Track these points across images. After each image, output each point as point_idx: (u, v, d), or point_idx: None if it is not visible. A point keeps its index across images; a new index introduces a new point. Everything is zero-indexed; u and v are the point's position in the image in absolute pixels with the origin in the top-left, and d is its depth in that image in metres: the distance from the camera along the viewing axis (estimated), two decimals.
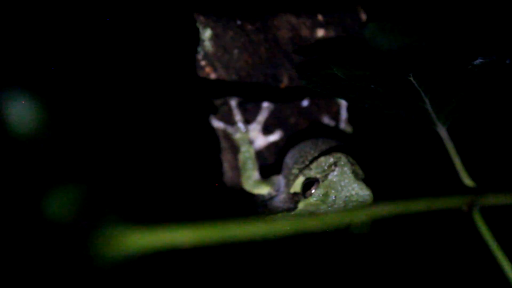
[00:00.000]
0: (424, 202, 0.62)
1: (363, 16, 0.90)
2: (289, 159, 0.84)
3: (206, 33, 0.87)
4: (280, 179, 0.86)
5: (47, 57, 0.89)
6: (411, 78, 0.73)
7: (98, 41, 0.91)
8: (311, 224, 0.52)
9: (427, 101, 0.71)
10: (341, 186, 0.78)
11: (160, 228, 0.46)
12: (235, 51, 0.88)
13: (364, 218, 0.62)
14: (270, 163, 0.92)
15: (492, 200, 0.64)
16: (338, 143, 0.83)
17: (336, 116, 0.94)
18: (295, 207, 0.80)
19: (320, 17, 0.89)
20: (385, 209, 0.61)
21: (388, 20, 0.85)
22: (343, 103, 0.94)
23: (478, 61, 0.72)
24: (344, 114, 0.94)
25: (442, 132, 0.69)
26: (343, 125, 0.94)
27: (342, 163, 0.79)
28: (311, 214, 0.79)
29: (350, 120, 0.94)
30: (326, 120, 0.93)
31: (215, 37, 0.87)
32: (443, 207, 0.63)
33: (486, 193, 0.64)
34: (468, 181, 0.66)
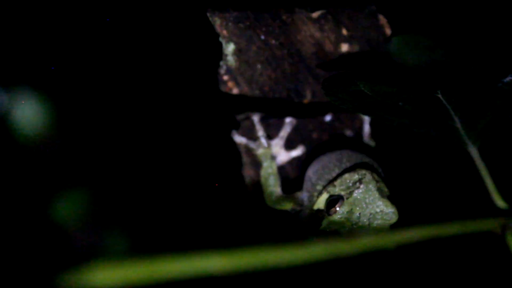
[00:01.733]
0: (456, 225, 0.60)
1: (388, 31, 0.89)
2: (312, 174, 0.83)
3: (229, 48, 0.86)
4: (303, 195, 0.85)
5: (67, 62, 0.89)
6: (440, 95, 0.72)
7: (122, 51, 0.91)
8: (343, 249, 0.51)
9: (456, 119, 0.70)
10: (366, 204, 0.77)
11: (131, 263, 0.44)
12: (258, 66, 0.87)
13: (396, 243, 0.61)
14: (292, 178, 0.91)
15: None
16: (363, 158, 0.82)
17: (359, 131, 0.93)
18: (319, 225, 0.79)
19: (344, 31, 0.88)
20: (416, 233, 0.59)
21: (413, 34, 0.84)
22: (366, 118, 0.93)
23: (508, 79, 0.71)
24: (367, 129, 0.93)
25: (473, 151, 0.68)
26: (366, 140, 0.93)
27: (367, 180, 0.77)
28: (342, 238, 0.78)
29: (373, 135, 0.93)
30: (349, 135, 0.92)
31: (238, 52, 0.86)
32: (476, 230, 0.61)
33: None
34: (500, 203, 0.65)
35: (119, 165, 0.90)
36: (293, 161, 0.90)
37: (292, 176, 0.91)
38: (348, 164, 0.81)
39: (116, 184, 0.88)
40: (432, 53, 0.79)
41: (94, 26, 0.90)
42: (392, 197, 0.78)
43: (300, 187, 0.86)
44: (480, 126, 0.69)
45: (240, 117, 0.89)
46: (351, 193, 0.77)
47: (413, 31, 0.84)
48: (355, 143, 0.92)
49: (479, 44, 0.75)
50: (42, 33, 0.88)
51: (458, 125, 0.70)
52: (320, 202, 0.80)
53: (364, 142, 0.93)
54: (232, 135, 0.89)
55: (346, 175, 0.79)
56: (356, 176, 0.78)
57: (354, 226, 0.77)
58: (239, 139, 0.89)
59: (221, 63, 0.86)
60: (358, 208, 0.77)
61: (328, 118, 0.91)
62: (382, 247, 0.58)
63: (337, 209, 0.77)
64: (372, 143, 0.93)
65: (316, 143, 0.90)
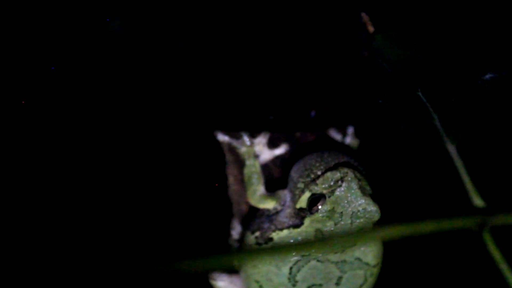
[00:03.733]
0: (433, 223, 0.60)
1: (371, 28, 0.89)
2: (294, 173, 0.83)
3: None
4: (286, 194, 0.85)
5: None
6: (420, 93, 0.72)
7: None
8: (319, 248, 0.51)
9: (436, 117, 0.70)
10: (348, 202, 0.77)
11: None
12: None
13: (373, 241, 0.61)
14: (276, 177, 0.91)
15: (503, 220, 0.62)
16: (345, 157, 0.82)
17: (343, 130, 0.93)
18: (301, 223, 0.80)
19: None
20: (393, 232, 0.59)
21: (396, 32, 0.84)
22: (350, 117, 0.93)
23: (488, 76, 0.71)
24: (351, 127, 0.93)
25: (452, 149, 0.68)
26: (350, 138, 0.93)
27: (349, 178, 0.78)
28: (318, 235, 0.78)
29: (357, 134, 0.93)
30: (333, 133, 0.92)
31: None
32: (453, 227, 0.61)
33: (496, 213, 0.62)
34: (478, 201, 0.65)
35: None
36: (277, 160, 0.90)
37: (275, 174, 0.91)
38: (330, 162, 0.81)
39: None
40: (414, 51, 0.79)
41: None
42: (374, 195, 0.79)
43: (283, 186, 0.87)
44: (459, 124, 0.69)
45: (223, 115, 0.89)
46: (333, 191, 0.78)
47: (396, 29, 0.84)
48: (339, 141, 0.92)
49: (460, 42, 0.75)
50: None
51: (437, 123, 0.70)
52: (302, 201, 0.80)
53: (347, 141, 0.93)
54: (215, 133, 0.89)
55: (328, 174, 0.79)
56: (338, 175, 0.78)
57: (336, 224, 0.78)
58: (222, 137, 0.89)
59: None
60: (340, 207, 0.77)
61: (311, 115, 0.91)
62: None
63: (319, 207, 0.78)
64: (356, 142, 0.93)
65: (299, 141, 0.91)
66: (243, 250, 0.81)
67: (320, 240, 0.56)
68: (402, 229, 0.60)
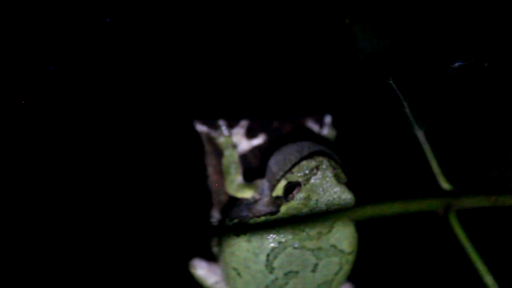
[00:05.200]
0: (399, 205, 0.62)
1: (347, 20, 0.90)
2: (272, 163, 0.85)
3: None
4: (263, 183, 0.86)
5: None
6: (391, 82, 0.73)
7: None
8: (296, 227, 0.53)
9: (406, 104, 0.72)
10: (323, 190, 0.79)
11: None
12: None
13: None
14: (254, 166, 0.92)
15: (468, 202, 0.64)
16: (321, 146, 0.83)
17: (320, 120, 0.94)
18: (278, 211, 0.81)
19: None
20: (363, 212, 0.61)
21: (371, 23, 0.85)
22: (327, 107, 0.94)
23: (456, 64, 0.73)
24: (328, 118, 0.94)
25: (420, 135, 0.69)
26: (327, 129, 0.95)
27: (324, 166, 0.79)
28: (293, 217, 0.80)
29: (334, 124, 0.94)
30: (310, 123, 0.93)
31: None
32: (420, 209, 0.63)
33: (462, 196, 0.64)
34: (445, 184, 0.67)
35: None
36: (255, 150, 0.92)
37: (254, 164, 0.92)
38: (306, 151, 0.82)
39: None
40: (386, 41, 0.80)
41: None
42: (349, 184, 0.80)
43: (261, 175, 0.88)
44: (428, 111, 0.70)
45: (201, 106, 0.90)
46: (308, 179, 0.79)
47: (370, 20, 0.86)
48: (316, 131, 0.93)
49: (430, 32, 0.76)
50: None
51: (407, 110, 0.71)
52: (279, 189, 0.81)
53: (325, 131, 0.94)
54: (194, 123, 0.90)
55: (304, 162, 0.80)
56: (313, 163, 0.79)
57: (312, 212, 0.79)
58: (201, 127, 0.90)
59: None
60: (315, 194, 0.79)
61: (289, 105, 0.93)
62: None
63: (295, 195, 0.79)
64: (333, 132, 0.95)
65: (277, 131, 0.92)
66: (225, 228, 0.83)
67: (296, 218, 0.58)
68: (371, 210, 0.62)
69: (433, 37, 0.76)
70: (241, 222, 0.84)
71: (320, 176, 0.79)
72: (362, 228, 0.83)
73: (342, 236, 0.82)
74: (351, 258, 0.85)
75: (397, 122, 0.72)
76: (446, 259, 0.88)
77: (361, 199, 0.78)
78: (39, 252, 0.90)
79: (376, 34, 0.84)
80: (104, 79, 0.92)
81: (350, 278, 0.90)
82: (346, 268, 0.85)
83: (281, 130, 0.92)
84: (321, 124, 0.94)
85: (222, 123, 0.89)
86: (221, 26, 0.92)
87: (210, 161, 0.91)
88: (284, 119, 0.92)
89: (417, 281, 0.96)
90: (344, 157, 0.83)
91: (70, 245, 0.91)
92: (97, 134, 0.92)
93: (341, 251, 0.83)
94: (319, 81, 0.93)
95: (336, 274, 0.85)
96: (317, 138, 0.91)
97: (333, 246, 0.82)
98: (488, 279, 0.61)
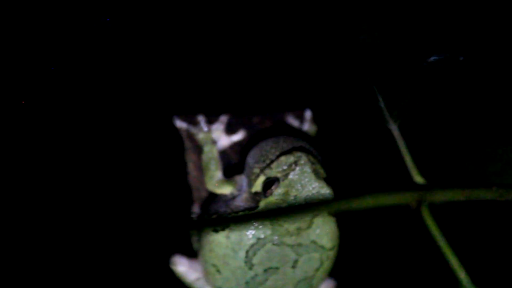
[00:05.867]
0: (372, 198, 0.62)
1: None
2: (250, 159, 0.85)
3: None
4: (242, 179, 0.86)
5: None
6: (368, 77, 0.73)
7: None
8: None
9: (380, 98, 0.71)
10: (302, 185, 0.79)
11: None
12: None
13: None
14: (234, 162, 0.92)
15: (441, 196, 0.64)
16: (300, 142, 0.83)
17: (300, 115, 0.94)
18: (256, 206, 0.81)
19: None
20: (337, 206, 0.61)
21: (349, 19, 0.85)
22: (307, 102, 0.94)
23: (432, 59, 0.72)
24: (308, 113, 0.94)
25: (394, 129, 0.69)
26: (307, 124, 0.94)
27: (303, 162, 0.79)
28: (270, 211, 0.80)
29: (315, 119, 0.94)
30: (291, 119, 0.93)
31: None
32: (392, 203, 0.63)
33: (434, 190, 0.64)
34: (418, 178, 0.67)
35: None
36: (235, 146, 0.91)
37: (234, 160, 0.92)
38: (285, 147, 0.82)
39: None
40: (363, 36, 0.80)
41: None
42: (328, 179, 0.80)
43: (241, 171, 0.88)
44: (402, 105, 0.70)
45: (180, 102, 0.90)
46: (286, 175, 0.79)
47: (350, 15, 0.85)
48: (296, 127, 0.93)
49: (406, 26, 0.76)
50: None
51: (382, 104, 0.71)
52: (258, 185, 0.81)
53: (305, 127, 0.94)
54: (174, 120, 0.90)
55: (282, 158, 0.80)
56: (291, 159, 0.79)
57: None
58: (180, 124, 0.90)
59: None
60: (293, 190, 0.79)
61: (268, 101, 0.92)
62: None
63: (273, 190, 0.79)
64: (313, 128, 0.94)
65: (257, 127, 0.92)
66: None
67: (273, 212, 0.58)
68: (345, 204, 0.62)
69: (408, 32, 0.76)
70: (219, 217, 0.84)
71: (299, 171, 0.79)
72: (344, 225, 0.83)
73: (323, 232, 0.82)
74: (332, 254, 0.84)
75: (373, 117, 0.72)
76: (425, 254, 0.88)
77: (339, 194, 0.78)
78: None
79: (354, 30, 0.84)
80: (84, 75, 0.92)
81: (331, 274, 0.89)
82: (327, 264, 0.85)
83: (261, 125, 0.92)
84: (301, 119, 0.94)
85: (201, 118, 0.89)
86: (200, 22, 0.92)
87: (190, 157, 0.91)
88: (264, 114, 0.92)
89: (397, 277, 0.96)
90: (324, 152, 0.83)
91: (44, 240, 0.91)
92: (77, 129, 0.92)
93: (322, 247, 0.83)
94: (299, 76, 0.93)
95: (317, 270, 0.84)
96: (296, 133, 0.91)
97: (314, 242, 0.82)
98: (461, 272, 0.61)
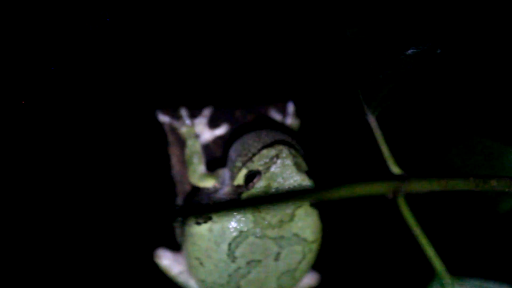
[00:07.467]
0: (348, 189, 0.62)
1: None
2: (233, 152, 0.85)
3: None
4: (225, 172, 0.86)
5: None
6: (347, 69, 0.74)
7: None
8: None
9: (359, 91, 0.72)
10: (283, 178, 0.79)
11: None
12: None
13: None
14: (217, 156, 0.92)
15: (417, 186, 0.64)
16: (281, 135, 0.83)
17: (283, 109, 0.94)
18: (239, 199, 0.81)
19: None
20: (315, 196, 0.62)
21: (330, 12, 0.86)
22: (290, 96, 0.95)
23: (410, 51, 0.73)
24: (291, 106, 0.95)
25: (372, 120, 0.70)
26: (290, 118, 0.95)
27: (284, 155, 0.79)
28: (254, 210, 0.80)
29: (298, 113, 0.95)
30: (273, 113, 0.94)
31: None
32: (369, 193, 0.63)
33: (411, 180, 0.64)
34: (395, 169, 0.67)
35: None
36: (218, 139, 0.92)
37: (217, 154, 0.92)
38: (266, 140, 0.82)
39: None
40: (345, 29, 0.81)
41: None
42: (309, 172, 0.80)
43: (224, 165, 0.88)
44: (379, 97, 0.71)
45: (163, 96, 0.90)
46: (268, 168, 0.79)
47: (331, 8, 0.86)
48: (278, 121, 0.94)
49: (384, 18, 0.77)
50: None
51: (360, 96, 0.72)
52: (240, 178, 0.81)
53: (288, 121, 0.95)
54: (157, 114, 0.90)
55: (264, 151, 0.81)
56: (273, 152, 0.80)
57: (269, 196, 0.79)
58: (163, 118, 0.90)
59: None
60: (275, 183, 0.79)
61: (251, 95, 0.93)
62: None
63: (255, 183, 0.79)
64: (296, 122, 0.95)
65: (239, 121, 0.92)
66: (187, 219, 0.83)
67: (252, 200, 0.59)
68: (325, 193, 0.62)
69: (386, 25, 0.77)
70: (200, 208, 0.84)
71: (280, 164, 0.79)
72: (326, 217, 0.84)
73: (305, 225, 0.83)
74: (314, 247, 0.85)
75: (353, 109, 0.72)
76: (403, 244, 0.89)
77: (319, 186, 0.78)
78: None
79: (333, 24, 0.84)
80: (70, 70, 0.92)
81: (314, 266, 0.90)
82: (310, 257, 0.85)
83: (244, 119, 0.92)
84: (284, 113, 0.94)
85: (184, 112, 0.90)
86: (182, 16, 0.92)
87: (174, 151, 0.91)
88: (247, 108, 0.93)
89: (377, 267, 0.97)
90: (305, 145, 0.83)
91: (28, 234, 0.91)
92: (61, 124, 0.93)
93: (304, 240, 0.83)
94: (281, 70, 0.94)
95: (299, 262, 0.85)
96: (279, 127, 0.92)
97: (296, 234, 0.82)
98: (436, 261, 0.62)
